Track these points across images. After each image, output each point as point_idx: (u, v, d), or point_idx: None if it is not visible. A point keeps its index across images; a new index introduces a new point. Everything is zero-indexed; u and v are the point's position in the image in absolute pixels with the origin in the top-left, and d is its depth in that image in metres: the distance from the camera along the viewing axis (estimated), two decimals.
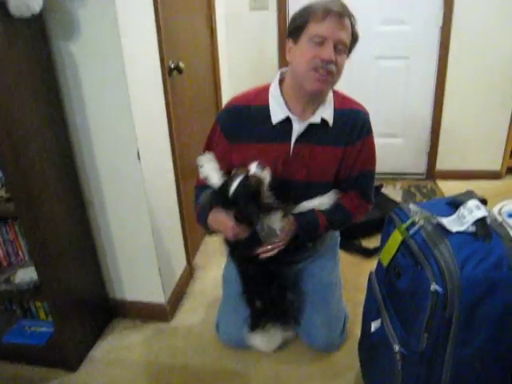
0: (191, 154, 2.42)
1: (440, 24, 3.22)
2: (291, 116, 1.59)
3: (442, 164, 3.64)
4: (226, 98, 2.99)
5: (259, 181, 1.51)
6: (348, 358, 1.87)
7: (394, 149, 3.66)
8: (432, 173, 3.66)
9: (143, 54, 1.82)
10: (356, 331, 1.81)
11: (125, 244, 2.01)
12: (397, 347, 1.28)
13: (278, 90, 1.61)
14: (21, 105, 1.50)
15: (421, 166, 3.70)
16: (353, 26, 1.50)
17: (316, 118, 1.60)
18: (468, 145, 3.55)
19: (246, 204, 1.48)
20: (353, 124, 1.65)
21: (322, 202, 1.68)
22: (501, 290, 1.12)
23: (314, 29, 1.44)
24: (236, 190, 1.48)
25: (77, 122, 1.76)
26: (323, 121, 1.60)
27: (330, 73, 1.47)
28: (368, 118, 1.69)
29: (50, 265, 1.71)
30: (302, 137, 1.61)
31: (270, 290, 1.72)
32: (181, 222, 2.30)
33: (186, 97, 2.34)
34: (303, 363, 1.87)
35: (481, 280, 1.12)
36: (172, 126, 2.07)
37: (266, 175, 1.52)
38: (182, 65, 2.09)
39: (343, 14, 1.45)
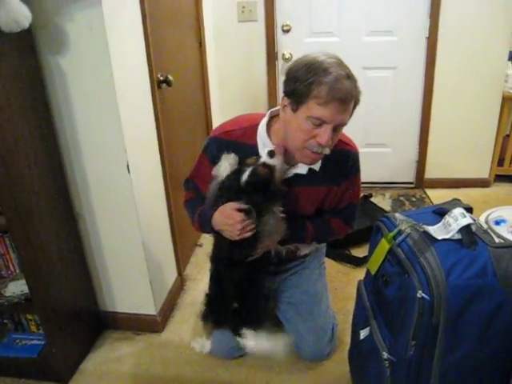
0: (181, 165, 2.44)
1: (426, 34, 3.27)
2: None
3: (430, 173, 3.67)
4: (215, 109, 3.01)
5: (271, 169, 1.47)
6: (339, 366, 1.88)
7: (383, 158, 3.69)
8: (421, 181, 3.69)
9: (132, 67, 1.83)
10: (346, 340, 1.82)
11: (115, 256, 2.01)
12: (385, 354, 1.30)
13: (266, 134, 1.58)
14: (10, 119, 1.50)
15: (410, 175, 3.73)
16: (356, 100, 1.42)
17: (302, 170, 1.60)
18: (456, 153, 3.59)
19: (257, 193, 1.46)
20: (342, 166, 1.65)
21: None
22: (486, 296, 1.15)
23: (315, 110, 1.36)
24: (248, 178, 1.45)
25: (66, 136, 1.77)
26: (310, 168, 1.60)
27: (322, 154, 1.47)
28: (357, 156, 1.68)
29: (41, 278, 1.71)
30: (286, 180, 1.59)
31: (248, 296, 1.71)
32: (171, 234, 2.31)
33: (175, 109, 2.36)
34: (294, 372, 1.88)
35: (466, 287, 1.15)
36: (161, 138, 2.08)
37: (277, 162, 1.49)
38: (170, 77, 2.10)
39: (349, 99, 1.37)
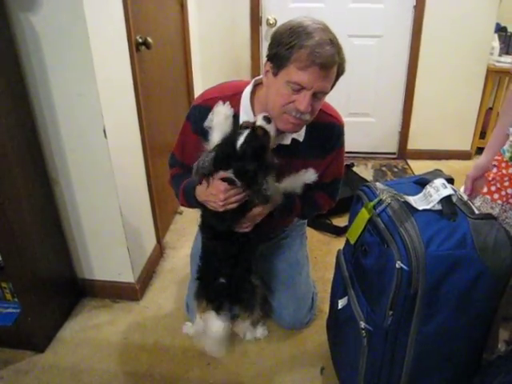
0: (161, 131, 2.39)
1: (414, 3, 3.23)
2: None
3: (413, 144, 3.68)
4: (197, 73, 2.93)
5: (267, 134, 1.41)
6: (317, 335, 1.90)
7: (366, 128, 3.68)
8: (403, 152, 3.71)
9: (109, 28, 1.75)
10: (325, 309, 1.82)
11: (93, 223, 1.97)
12: (363, 324, 1.30)
13: (249, 104, 1.53)
14: None
15: (392, 146, 3.73)
16: (340, 67, 1.37)
17: (286, 141, 1.55)
18: (439, 125, 3.60)
19: (251, 160, 1.38)
20: (327, 139, 1.61)
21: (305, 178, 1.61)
22: (464, 267, 1.14)
23: (294, 75, 1.32)
24: (245, 141, 1.37)
25: (40, 98, 1.70)
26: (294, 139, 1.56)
27: (303, 120, 1.42)
28: (342, 129, 1.65)
29: (14, 245, 1.67)
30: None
31: (234, 269, 1.67)
32: (150, 201, 2.27)
33: (155, 73, 2.29)
34: (272, 340, 1.89)
35: (445, 257, 1.14)
36: (140, 103, 2.02)
37: (272, 129, 1.42)
38: (150, 40, 2.03)
39: (331, 65, 1.32)
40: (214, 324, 1.69)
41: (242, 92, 1.55)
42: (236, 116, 1.54)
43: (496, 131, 1.45)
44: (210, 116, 1.50)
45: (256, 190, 1.42)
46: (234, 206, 1.47)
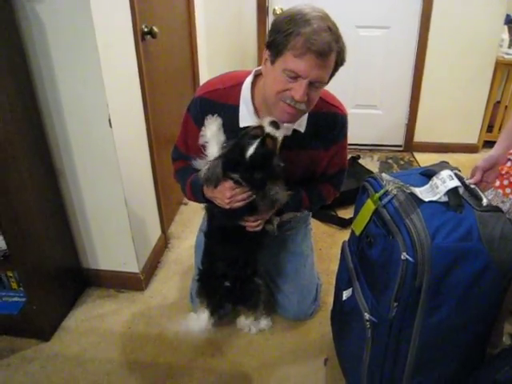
0: (166, 121, 2.38)
1: None
2: None
3: (419, 136, 3.66)
4: (203, 63, 2.92)
5: (275, 142, 1.39)
6: (321, 326, 1.90)
7: (373, 120, 3.66)
8: (410, 145, 3.68)
9: (114, 17, 1.75)
10: (329, 300, 1.82)
11: (98, 213, 1.98)
12: (367, 315, 1.29)
13: (249, 95, 1.51)
14: None
15: (399, 138, 3.71)
16: (339, 56, 1.34)
17: (287, 131, 1.52)
18: (446, 118, 3.57)
19: (258, 170, 1.38)
20: (329, 129, 1.59)
21: None
22: (469, 259, 1.13)
23: (290, 62, 1.29)
24: (254, 152, 1.35)
25: (45, 89, 1.69)
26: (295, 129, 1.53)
27: (299, 109, 1.39)
28: (345, 120, 1.61)
29: (20, 234, 1.67)
30: None
31: (241, 272, 1.67)
32: (155, 191, 2.27)
33: (160, 62, 2.28)
34: (276, 332, 1.89)
35: (451, 250, 1.13)
36: (145, 92, 2.02)
37: (281, 134, 1.40)
38: (156, 29, 2.02)
39: (327, 53, 1.28)
40: (202, 321, 1.74)
41: (242, 83, 1.54)
42: (236, 107, 1.53)
43: (510, 124, 1.39)
44: (203, 132, 1.51)
45: (262, 195, 1.43)
46: (241, 204, 1.47)
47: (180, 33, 2.60)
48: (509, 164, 1.28)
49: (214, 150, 1.50)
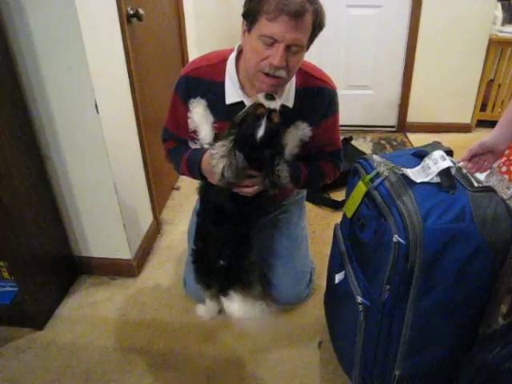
0: (155, 105, 2.35)
1: None
2: (245, 101, 1.49)
3: (412, 117, 3.63)
4: (192, 46, 2.87)
5: (279, 116, 1.35)
6: (315, 309, 1.90)
7: (365, 101, 3.63)
8: (403, 125, 3.66)
9: None
10: (323, 284, 1.80)
11: (87, 200, 1.95)
12: (359, 298, 1.29)
13: (234, 70, 1.49)
14: None
15: (391, 119, 3.69)
16: (316, 18, 1.30)
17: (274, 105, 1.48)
18: (439, 97, 3.55)
19: (269, 147, 1.34)
20: (318, 103, 1.56)
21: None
22: (462, 241, 1.12)
23: (265, 27, 1.26)
24: (265, 131, 1.31)
25: (29, 73, 1.65)
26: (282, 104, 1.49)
27: (279, 77, 1.35)
28: (334, 94, 1.58)
29: (8, 223, 1.65)
30: None
31: (236, 250, 1.64)
32: (146, 176, 2.25)
33: (147, 45, 2.23)
34: (270, 316, 1.88)
35: (443, 231, 1.12)
36: (133, 76, 1.98)
37: (278, 104, 1.35)
38: (141, 11, 1.97)
39: (301, 13, 1.24)
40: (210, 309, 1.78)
41: (227, 59, 1.51)
42: (222, 84, 1.50)
43: (507, 110, 1.33)
44: (190, 119, 1.49)
45: (269, 174, 1.39)
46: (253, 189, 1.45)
47: (168, 15, 2.54)
48: None
49: (206, 131, 1.47)
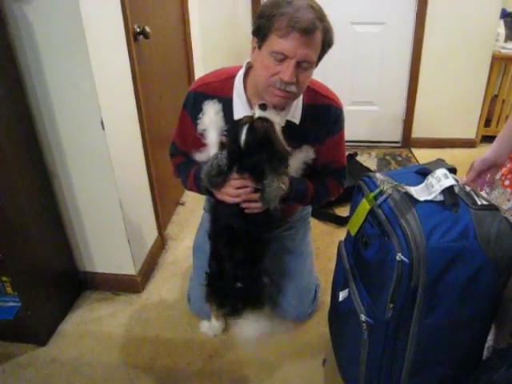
0: (161, 122, 2.37)
1: None
2: None
3: (417, 132, 3.64)
4: (198, 63, 2.91)
5: (269, 122, 1.36)
6: (319, 326, 1.89)
7: (370, 116, 3.64)
8: (407, 141, 3.66)
9: (105, 16, 1.73)
10: (327, 300, 1.80)
11: (92, 215, 1.96)
12: (363, 317, 1.28)
13: (242, 86, 1.51)
14: None
15: (396, 134, 3.69)
16: (326, 36, 1.33)
17: (279, 119, 1.49)
18: (443, 113, 3.55)
19: (259, 152, 1.35)
20: (324, 121, 1.57)
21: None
22: (465, 259, 1.12)
23: (276, 44, 1.29)
24: (246, 136, 1.33)
25: (36, 90, 1.68)
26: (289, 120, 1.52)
27: (290, 92, 1.37)
28: (341, 112, 1.60)
29: (13, 238, 1.66)
30: None
31: (251, 271, 1.63)
32: (151, 192, 2.26)
33: (154, 63, 2.26)
34: (275, 332, 1.87)
35: (446, 250, 1.12)
36: (139, 94, 2.00)
37: (272, 116, 1.38)
38: (148, 29, 1.99)
39: (312, 30, 1.27)
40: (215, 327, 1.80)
41: (235, 76, 1.53)
42: (230, 100, 1.52)
43: (506, 126, 1.32)
44: (201, 119, 1.49)
45: (262, 186, 1.39)
46: (245, 196, 1.44)
47: (174, 33, 2.58)
48: None
49: (213, 136, 1.48)
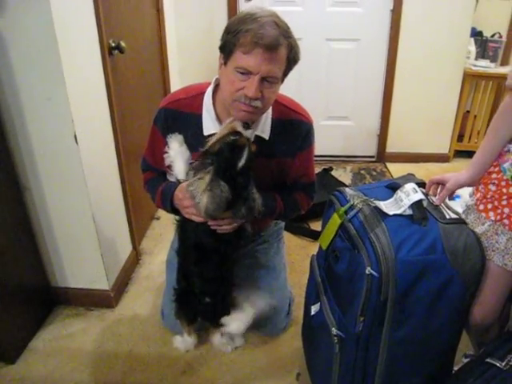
0: (136, 136, 2.36)
1: (391, 7, 3.25)
2: None
3: (391, 147, 3.70)
4: (175, 79, 2.92)
5: (253, 145, 1.39)
6: (293, 340, 1.89)
7: (345, 131, 3.69)
8: (382, 155, 3.72)
9: (79, 31, 1.72)
10: (301, 314, 1.80)
11: (65, 230, 1.93)
12: (334, 330, 1.29)
13: (211, 102, 1.53)
14: None
15: (371, 149, 3.75)
16: (290, 52, 1.36)
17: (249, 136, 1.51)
18: (417, 128, 3.63)
19: (244, 174, 1.37)
20: (294, 136, 1.59)
21: None
22: (434, 272, 1.15)
23: (240, 60, 1.31)
24: (247, 159, 1.34)
25: (8, 103, 1.66)
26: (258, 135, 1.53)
27: (255, 107, 1.38)
28: (310, 127, 1.62)
29: None
30: None
31: (220, 287, 1.64)
32: (125, 206, 2.24)
33: (129, 77, 2.26)
34: (248, 347, 1.87)
35: (415, 263, 1.14)
36: (114, 108, 1.99)
37: (251, 134, 1.41)
38: (123, 44, 2.00)
39: (275, 46, 1.29)
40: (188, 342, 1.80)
41: (204, 92, 1.55)
42: (199, 116, 1.54)
43: (485, 146, 1.31)
44: (166, 152, 1.50)
45: (245, 200, 1.40)
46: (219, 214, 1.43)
47: (150, 47, 2.59)
48: (493, 188, 1.24)
49: (180, 167, 1.49)
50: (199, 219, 1.45)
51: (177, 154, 1.48)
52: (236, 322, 1.72)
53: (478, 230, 1.25)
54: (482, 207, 1.27)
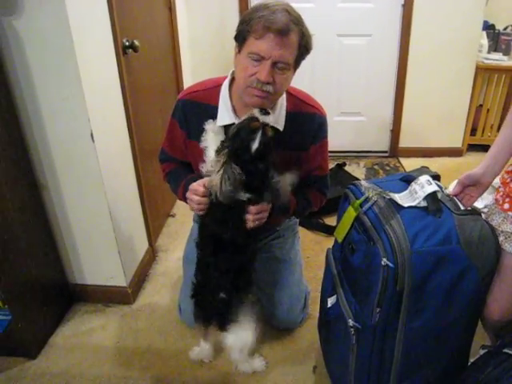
0: (151, 133, 2.39)
1: (402, 2, 3.24)
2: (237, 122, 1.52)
3: (405, 142, 3.69)
4: (187, 76, 2.94)
5: (272, 129, 1.40)
6: (309, 333, 1.90)
7: (358, 127, 3.69)
8: (395, 150, 3.71)
9: (94, 31, 1.75)
10: (317, 308, 1.81)
11: (83, 227, 1.97)
12: (351, 322, 1.30)
13: (227, 93, 1.56)
14: None
15: (384, 144, 3.74)
16: (302, 39, 1.38)
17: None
18: (430, 122, 3.61)
19: (263, 160, 1.37)
20: (307, 128, 1.61)
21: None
22: (449, 263, 1.15)
23: (252, 45, 1.35)
24: (260, 144, 1.34)
25: (26, 103, 1.69)
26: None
27: (267, 92, 1.41)
28: (324, 120, 1.64)
29: (3, 252, 1.66)
30: None
31: (236, 282, 1.61)
32: (141, 204, 2.27)
33: (143, 76, 2.29)
34: (265, 340, 1.88)
35: (430, 254, 1.15)
36: (128, 106, 2.02)
37: (270, 119, 1.41)
38: (137, 43, 2.02)
39: (286, 31, 1.32)
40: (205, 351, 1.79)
41: (221, 84, 1.58)
42: (216, 107, 1.56)
43: (499, 141, 1.30)
44: (203, 136, 1.51)
45: (268, 187, 1.42)
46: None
47: (163, 46, 2.61)
48: None
49: (211, 155, 1.49)
50: (199, 207, 1.49)
51: (212, 139, 1.49)
52: (234, 335, 1.66)
53: (509, 229, 1.24)
54: (506, 206, 1.26)
